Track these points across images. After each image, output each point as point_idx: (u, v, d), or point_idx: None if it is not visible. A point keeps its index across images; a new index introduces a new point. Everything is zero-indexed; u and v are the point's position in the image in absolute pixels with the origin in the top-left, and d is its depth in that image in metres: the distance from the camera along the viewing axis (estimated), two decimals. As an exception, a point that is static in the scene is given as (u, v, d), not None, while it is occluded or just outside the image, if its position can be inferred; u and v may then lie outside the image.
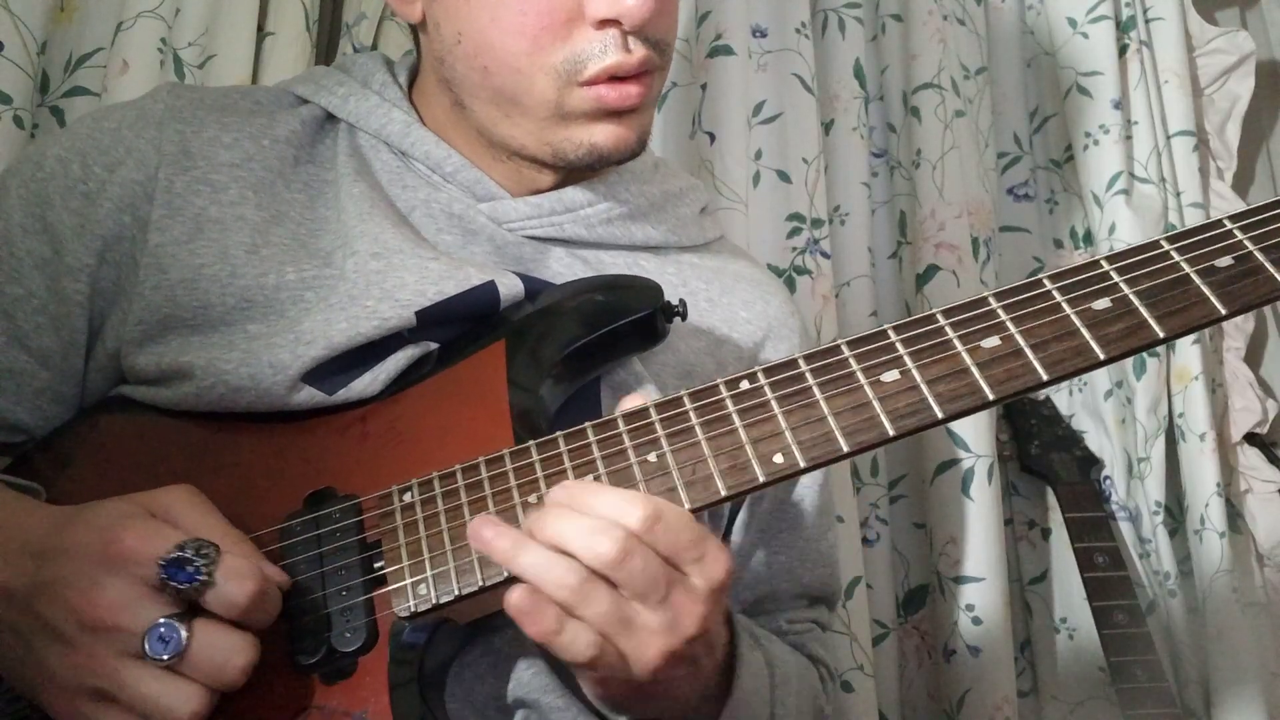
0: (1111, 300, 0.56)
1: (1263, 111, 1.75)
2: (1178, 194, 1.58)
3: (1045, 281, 0.58)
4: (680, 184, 0.89)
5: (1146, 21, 1.62)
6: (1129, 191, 1.54)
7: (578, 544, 0.53)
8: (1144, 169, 1.57)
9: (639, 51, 0.71)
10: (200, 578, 0.52)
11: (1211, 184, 1.64)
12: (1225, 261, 0.55)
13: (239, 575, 0.54)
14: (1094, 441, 1.56)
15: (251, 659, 0.54)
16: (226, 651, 0.53)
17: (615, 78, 0.71)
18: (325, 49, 1.36)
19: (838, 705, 1.28)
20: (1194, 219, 1.56)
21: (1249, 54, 1.64)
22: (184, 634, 0.52)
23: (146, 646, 0.51)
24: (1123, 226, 1.53)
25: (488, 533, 0.55)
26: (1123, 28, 1.61)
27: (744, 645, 0.68)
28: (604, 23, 0.70)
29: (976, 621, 1.39)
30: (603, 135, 0.74)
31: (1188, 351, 1.52)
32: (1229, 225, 0.57)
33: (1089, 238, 1.61)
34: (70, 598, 0.52)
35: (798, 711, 0.74)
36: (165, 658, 0.51)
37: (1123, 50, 1.60)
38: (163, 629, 0.52)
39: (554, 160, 0.76)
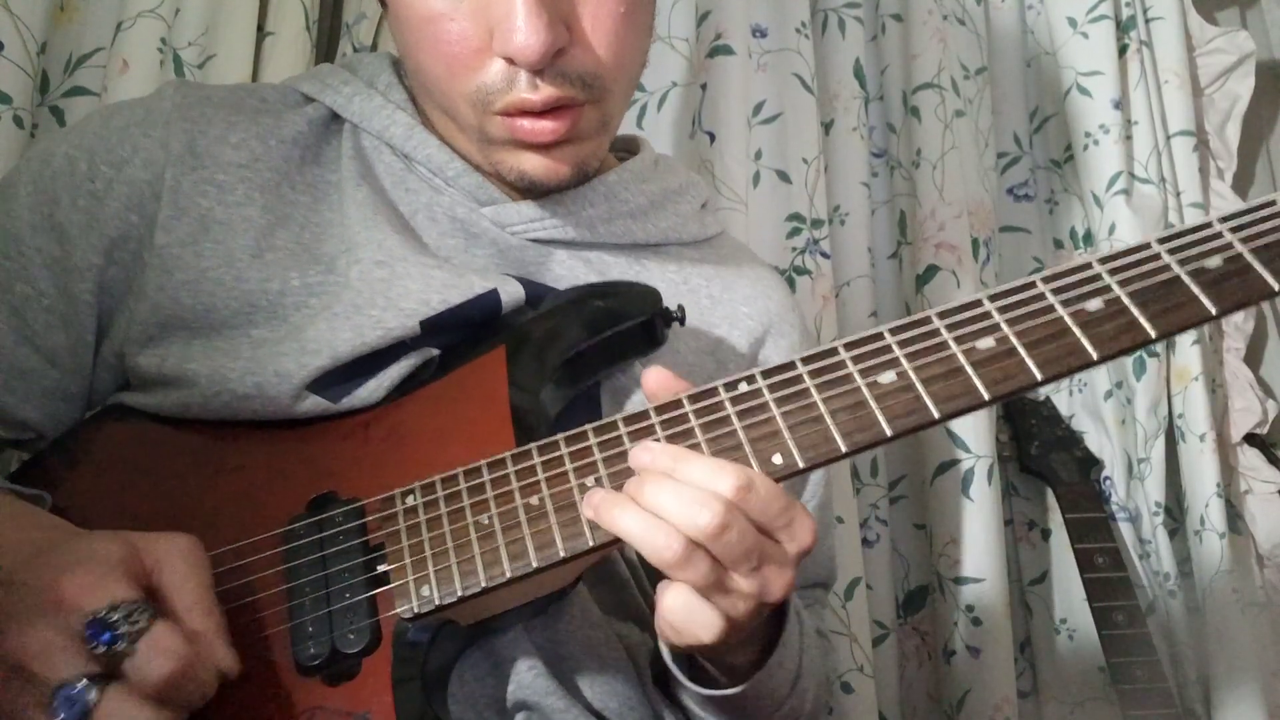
0: (1104, 301, 0.56)
1: (1263, 111, 1.74)
2: (1178, 194, 1.57)
3: (1038, 283, 0.58)
4: (680, 180, 0.89)
5: (1146, 21, 1.62)
6: (1129, 191, 1.54)
7: (678, 514, 0.54)
8: (1144, 169, 1.57)
9: (546, 90, 0.68)
10: (117, 645, 0.49)
11: (1211, 184, 1.64)
12: (1215, 262, 0.56)
13: (161, 652, 0.50)
14: (1094, 442, 1.56)
15: None
16: None
17: (526, 112, 0.70)
18: (325, 49, 1.36)
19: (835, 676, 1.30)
20: (1194, 219, 1.55)
21: (1249, 54, 1.64)
22: (92, 698, 0.48)
23: (54, 705, 0.48)
24: (1123, 226, 1.53)
25: (595, 497, 0.57)
26: (1123, 28, 1.61)
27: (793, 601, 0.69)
28: (509, 58, 0.68)
29: (976, 622, 1.39)
30: (530, 165, 0.73)
31: (1188, 352, 1.52)
32: (1218, 226, 0.57)
33: (1089, 238, 1.61)
34: (7, 634, 0.50)
35: (818, 673, 0.76)
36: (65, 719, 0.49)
37: (1123, 50, 1.60)
38: (73, 689, 0.49)
39: (498, 179, 0.76)
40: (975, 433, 1.42)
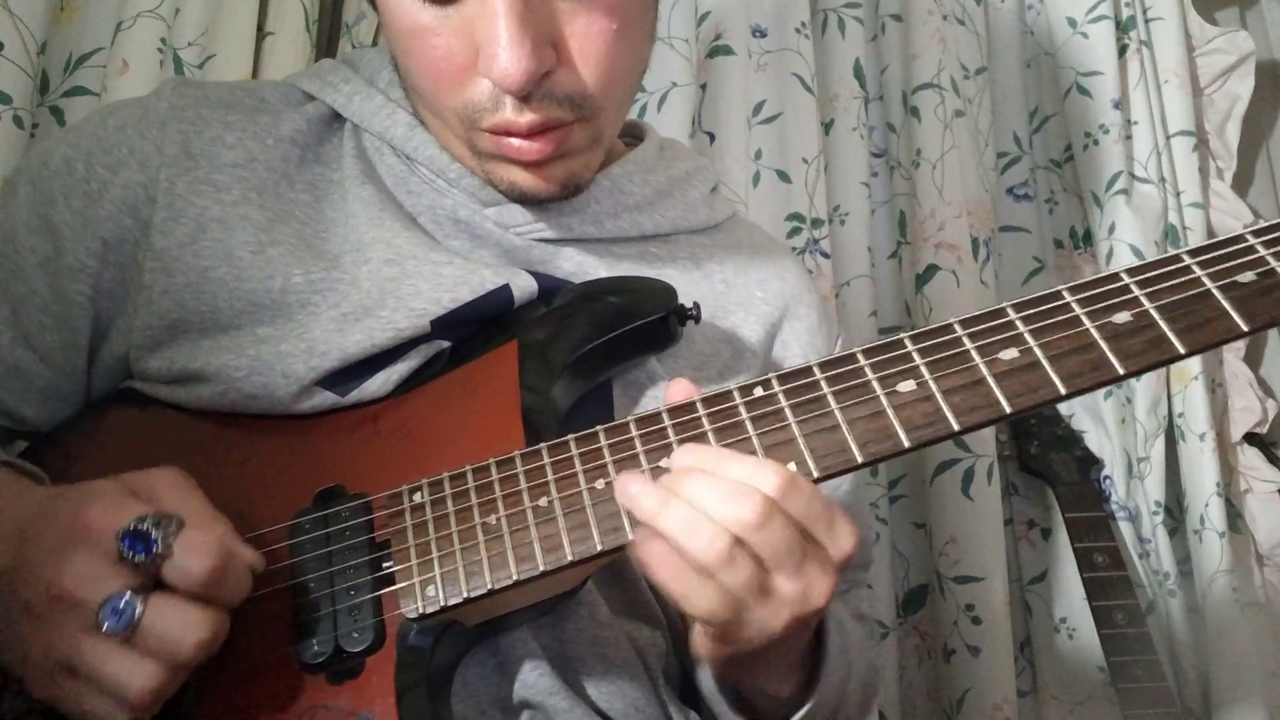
0: (1132, 314, 0.55)
1: (1263, 111, 1.75)
2: (1178, 194, 1.57)
3: (1065, 293, 0.56)
4: (687, 166, 0.87)
5: (1146, 21, 1.62)
6: (1129, 191, 1.54)
7: (720, 508, 0.52)
8: (1144, 169, 1.57)
9: (530, 115, 0.66)
10: (155, 550, 0.51)
11: (1211, 184, 1.64)
12: (1248, 277, 0.54)
13: (198, 549, 0.52)
14: (1094, 441, 1.56)
15: (208, 636, 0.52)
16: (181, 626, 0.51)
17: (513, 132, 0.68)
18: (325, 49, 1.36)
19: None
20: (1194, 219, 1.56)
21: (1249, 54, 1.64)
22: (138, 607, 0.50)
23: (100, 619, 0.50)
24: (1123, 226, 1.53)
25: (634, 488, 0.54)
26: (1123, 28, 1.61)
27: (830, 608, 0.67)
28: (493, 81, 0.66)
29: (976, 621, 1.39)
30: (519, 178, 0.72)
31: (1187, 351, 1.52)
32: (1251, 240, 0.55)
33: (1089, 238, 1.61)
34: (40, 573, 0.52)
35: (863, 670, 0.75)
36: (118, 630, 0.50)
37: (1123, 50, 1.60)
38: (116, 601, 0.50)
39: (490, 186, 0.75)
40: (975, 432, 1.42)
